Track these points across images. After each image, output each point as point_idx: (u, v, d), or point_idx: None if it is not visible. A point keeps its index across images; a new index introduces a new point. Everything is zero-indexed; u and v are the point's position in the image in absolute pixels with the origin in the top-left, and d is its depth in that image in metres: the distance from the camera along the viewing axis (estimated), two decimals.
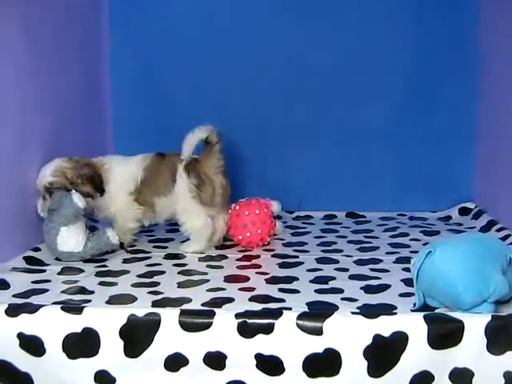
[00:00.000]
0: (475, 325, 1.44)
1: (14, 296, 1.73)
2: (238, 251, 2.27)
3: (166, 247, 2.30)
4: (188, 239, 2.26)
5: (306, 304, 1.66)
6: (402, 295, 1.74)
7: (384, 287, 1.82)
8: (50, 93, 2.29)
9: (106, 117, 2.92)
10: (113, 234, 2.16)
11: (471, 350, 1.44)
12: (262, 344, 1.46)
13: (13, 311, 1.52)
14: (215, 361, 1.48)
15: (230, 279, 1.92)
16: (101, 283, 1.87)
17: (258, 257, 2.19)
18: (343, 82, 2.85)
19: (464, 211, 2.81)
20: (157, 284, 1.86)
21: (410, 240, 2.39)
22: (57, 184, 2.13)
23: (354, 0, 2.82)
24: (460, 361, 1.45)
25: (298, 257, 2.17)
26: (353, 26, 2.82)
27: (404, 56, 2.83)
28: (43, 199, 2.12)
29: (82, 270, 2.01)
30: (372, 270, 2.00)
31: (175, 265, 2.08)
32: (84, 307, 1.54)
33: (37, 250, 2.13)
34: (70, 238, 2.09)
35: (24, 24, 2.09)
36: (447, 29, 2.80)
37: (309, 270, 2.00)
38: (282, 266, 2.08)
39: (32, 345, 1.50)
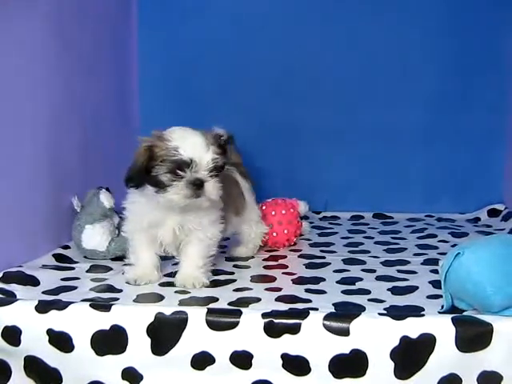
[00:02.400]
0: (504, 327, 1.43)
1: (43, 293, 1.75)
2: (265, 251, 2.27)
3: None
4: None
5: (333, 305, 1.65)
6: (429, 297, 1.73)
7: (411, 289, 1.81)
8: (81, 92, 2.32)
9: (134, 118, 2.94)
10: None
11: (500, 353, 1.42)
12: (289, 344, 1.46)
13: (42, 308, 1.54)
14: (241, 360, 1.48)
15: (256, 279, 1.92)
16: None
17: (284, 257, 2.19)
18: (373, 83, 2.85)
19: (493, 213, 2.78)
20: None
21: (438, 241, 2.38)
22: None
23: (390, 1, 2.81)
24: (488, 364, 1.44)
25: (324, 257, 2.16)
26: (387, 27, 2.82)
27: (436, 58, 2.81)
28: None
29: (110, 268, 2.03)
30: (399, 271, 1.99)
31: None
32: (112, 305, 1.55)
33: (66, 247, 2.16)
34: (94, 237, 2.11)
35: (56, 24, 2.12)
36: (480, 30, 2.77)
37: (336, 271, 2.00)
38: (308, 266, 2.07)
39: (61, 341, 1.52)
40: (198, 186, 1.73)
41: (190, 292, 1.77)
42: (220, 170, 1.79)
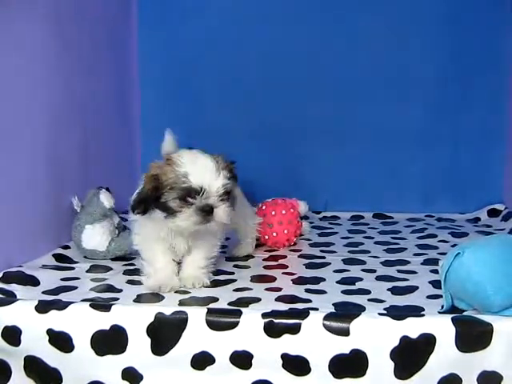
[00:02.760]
0: (504, 327, 1.43)
1: (43, 293, 1.75)
2: (265, 251, 2.27)
3: None
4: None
5: (333, 305, 1.65)
6: (429, 297, 1.73)
7: (411, 289, 1.80)
8: (81, 92, 2.32)
9: (134, 118, 2.94)
10: None
11: (500, 353, 1.42)
12: (289, 344, 1.46)
13: (42, 308, 1.54)
14: (241, 360, 1.48)
15: (256, 279, 1.92)
16: (129, 281, 1.89)
17: (284, 257, 2.19)
18: (373, 83, 2.85)
19: (493, 213, 2.78)
20: None
21: (438, 241, 2.38)
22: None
23: (385, 3, 2.81)
24: (488, 364, 1.43)
25: (324, 257, 2.16)
26: (387, 27, 2.82)
27: (436, 58, 2.82)
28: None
29: (110, 268, 2.03)
30: (399, 271, 1.99)
31: None
32: (112, 305, 1.55)
33: (66, 247, 2.16)
34: (94, 237, 2.11)
35: (56, 25, 2.12)
36: (480, 30, 2.77)
37: (336, 271, 2.00)
38: (308, 266, 2.07)
39: (61, 341, 1.52)
40: (207, 212, 1.70)
41: (190, 292, 1.77)
42: (230, 194, 1.77)
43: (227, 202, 1.74)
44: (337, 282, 1.88)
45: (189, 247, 1.85)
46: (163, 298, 1.72)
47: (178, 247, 1.84)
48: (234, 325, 1.48)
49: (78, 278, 1.91)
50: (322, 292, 1.79)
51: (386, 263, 2.08)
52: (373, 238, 2.47)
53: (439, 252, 2.20)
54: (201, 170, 1.70)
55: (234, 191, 1.83)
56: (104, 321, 1.52)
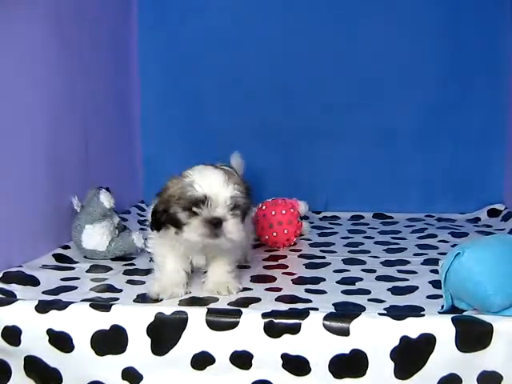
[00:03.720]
0: (504, 327, 1.42)
1: (43, 293, 1.75)
2: (265, 251, 2.27)
3: None
4: None
5: (333, 305, 1.65)
6: (429, 297, 1.73)
7: (411, 289, 1.81)
8: (81, 92, 2.32)
9: (134, 118, 2.95)
10: (138, 237, 2.14)
11: (500, 353, 1.42)
12: (289, 344, 1.46)
13: (42, 308, 1.54)
14: (241, 360, 1.48)
15: (256, 279, 1.92)
16: (129, 281, 1.89)
17: (284, 257, 2.19)
18: (373, 83, 2.85)
19: (493, 213, 2.79)
20: None
21: (438, 241, 2.38)
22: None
23: (385, 2, 2.81)
24: (488, 364, 1.43)
25: (324, 257, 2.16)
26: (383, 28, 2.81)
27: (435, 58, 2.81)
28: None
29: (110, 268, 2.03)
30: (399, 271, 1.99)
31: None
32: (112, 305, 1.55)
33: (66, 247, 2.16)
34: (94, 237, 2.11)
35: (56, 25, 2.12)
36: (479, 30, 2.77)
37: (336, 271, 2.00)
38: (308, 266, 2.07)
39: (61, 341, 1.52)
40: (215, 225, 1.64)
41: (190, 292, 1.77)
42: (244, 211, 1.71)
43: (238, 218, 1.69)
44: (337, 282, 1.88)
45: (207, 262, 1.81)
46: (163, 298, 1.72)
47: (196, 262, 1.80)
48: (234, 325, 1.48)
49: (77, 278, 1.91)
50: (322, 292, 1.79)
51: (386, 263, 2.08)
52: (373, 238, 2.47)
53: (439, 252, 2.20)
54: (207, 180, 1.66)
55: (248, 213, 1.77)
56: (104, 321, 1.51)
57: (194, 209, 1.65)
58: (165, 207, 1.70)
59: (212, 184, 1.65)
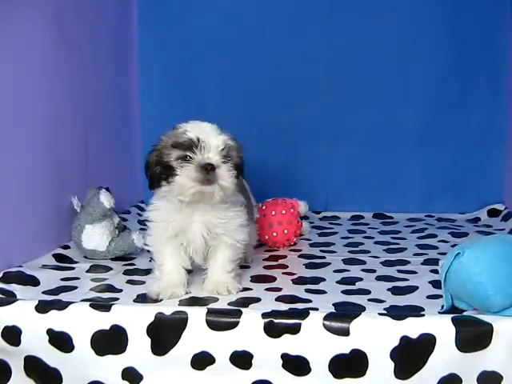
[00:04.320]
0: (504, 327, 1.42)
1: (43, 293, 1.75)
2: (265, 251, 2.27)
3: None
4: None
5: (333, 305, 1.65)
6: (429, 297, 1.73)
7: (411, 289, 1.81)
8: (81, 92, 2.32)
9: (134, 118, 2.95)
10: (138, 237, 2.14)
11: (500, 353, 1.42)
12: (289, 344, 1.46)
13: (42, 308, 1.54)
14: (241, 360, 1.48)
15: (256, 279, 1.92)
16: (129, 281, 1.89)
17: (284, 257, 2.19)
18: (373, 83, 2.85)
19: (493, 213, 2.79)
20: None
21: (438, 241, 2.38)
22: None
23: (385, 2, 2.81)
24: (488, 364, 1.43)
25: (324, 257, 2.16)
26: (383, 27, 2.81)
27: (435, 57, 2.81)
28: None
29: (110, 268, 2.03)
30: (399, 271, 1.99)
31: None
32: (112, 305, 1.55)
33: (66, 247, 2.16)
34: (94, 237, 2.11)
35: (56, 24, 2.12)
36: (479, 29, 2.77)
37: (336, 271, 2.00)
38: (308, 266, 2.07)
39: (61, 341, 1.52)
40: (208, 170, 1.66)
41: (190, 292, 1.77)
42: (237, 166, 1.73)
43: (231, 167, 1.70)
44: (337, 282, 1.88)
45: (206, 246, 1.79)
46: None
47: (194, 245, 1.78)
48: (234, 325, 1.48)
49: (77, 278, 1.91)
50: (322, 292, 1.79)
51: (386, 263, 2.08)
52: (373, 238, 2.47)
53: (439, 252, 2.20)
54: (200, 127, 1.72)
55: (241, 172, 1.79)
56: (104, 321, 1.51)
57: (188, 153, 1.67)
58: (158, 158, 1.72)
59: (204, 130, 1.71)
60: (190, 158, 1.67)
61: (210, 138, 1.69)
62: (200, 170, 1.66)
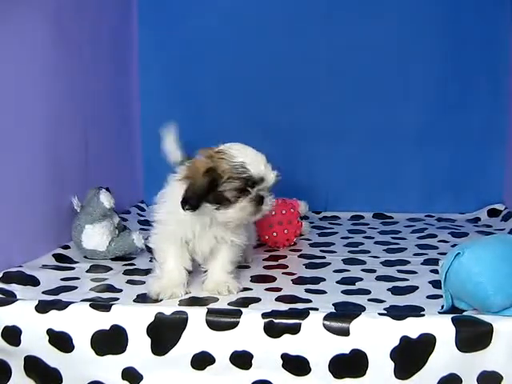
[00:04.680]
0: (505, 328, 1.42)
1: (43, 293, 1.75)
2: (265, 251, 2.27)
3: None
4: None
5: (333, 305, 1.65)
6: (429, 297, 1.73)
7: (411, 289, 1.81)
8: (81, 92, 2.32)
9: (134, 118, 2.94)
10: (138, 237, 2.14)
11: (500, 353, 1.42)
12: (289, 344, 1.46)
13: (42, 308, 1.54)
14: (241, 360, 1.48)
15: (256, 279, 1.92)
16: (129, 281, 1.89)
17: (284, 257, 2.19)
18: (373, 83, 2.85)
19: (493, 213, 2.78)
20: None
21: (438, 241, 2.38)
22: None
23: (385, 2, 2.81)
24: (489, 364, 1.43)
25: (324, 257, 2.16)
26: (383, 27, 2.81)
27: (435, 57, 2.81)
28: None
29: (110, 268, 2.03)
30: (399, 271, 1.99)
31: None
32: (112, 305, 1.55)
33: (66, 247, 2.16)
34: (94, 237, 2.11)
35: (56, 24, 2.12)
36: (479, 29, 2.77)
37: (336, 271, 2.00)
38: (308, 266, 2.07)
39: (61, 341, 1.52)
40: (258, 202, 1.71)
41: (190, 292, 1.77)
42: None
43: (272, 194, 1.76)
44: (337, 282, 1.88)
45: (211, 249, 1.81)
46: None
47: (201, 248, 1.80)
48: (233, 325, 1.48)
49: (77, 278, 1.91)
50: (322, 292, 1.79)
51: (386, 263, 2.08)
52: (373, 238, 2.47)
53: (439, 252, 2.20)
54: (258, 162, 1.73)
55: None
56: (104, 321, 1.51)
57: (248, 188, 1.69)
58: (210, 185, 1.69)
59: (262, 165, 1.73)
60: (247, 192, 1.70)
61: (269, 177, 1.73)
62: (254, 204, 1.71)
